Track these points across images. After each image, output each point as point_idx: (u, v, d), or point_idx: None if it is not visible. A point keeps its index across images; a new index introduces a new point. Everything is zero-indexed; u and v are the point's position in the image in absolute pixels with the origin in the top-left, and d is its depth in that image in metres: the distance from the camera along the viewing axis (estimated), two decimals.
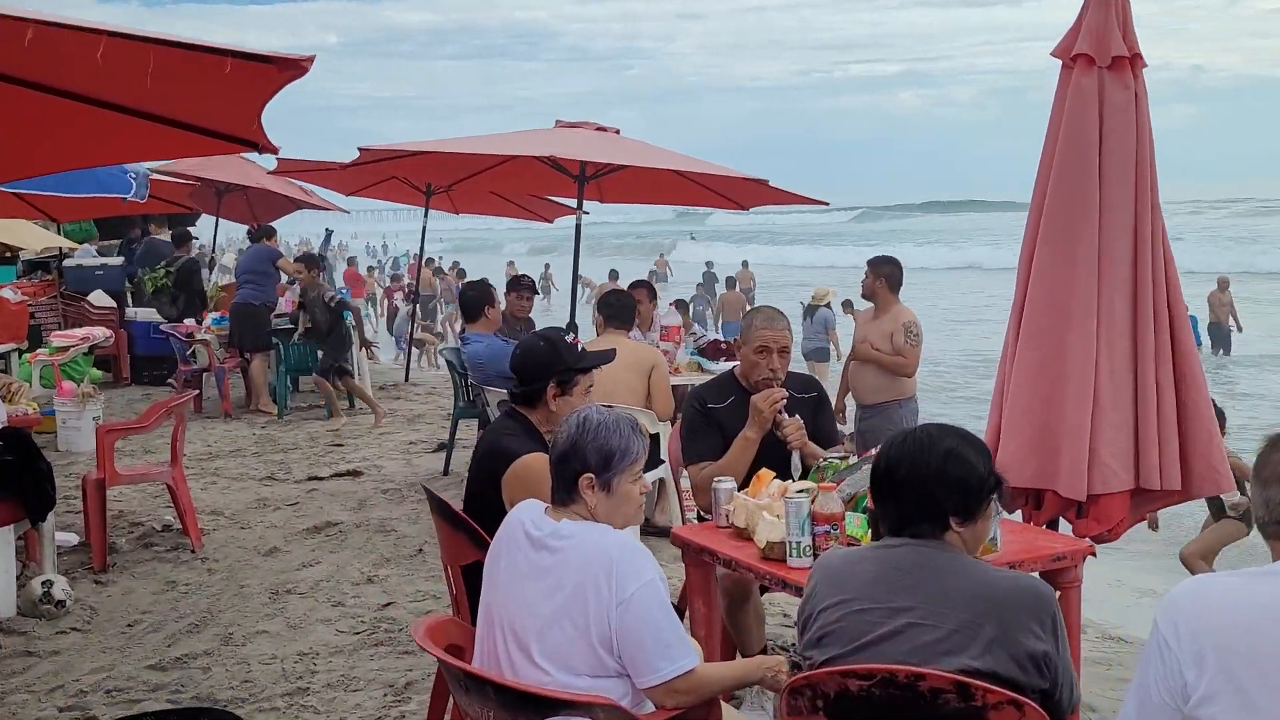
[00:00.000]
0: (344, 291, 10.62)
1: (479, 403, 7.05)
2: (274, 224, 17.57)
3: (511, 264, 32.79)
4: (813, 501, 2.83)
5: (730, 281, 24.92)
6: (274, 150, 3.45)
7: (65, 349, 8.59)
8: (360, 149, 6.99)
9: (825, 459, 3.21)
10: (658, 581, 2.31)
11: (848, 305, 18.47)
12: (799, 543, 2.73)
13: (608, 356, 3.50)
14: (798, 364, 11.36)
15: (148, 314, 11.60)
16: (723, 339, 7.34)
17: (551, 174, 7.76)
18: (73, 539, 5.91)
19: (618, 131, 7.47)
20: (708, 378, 6.76)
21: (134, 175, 4.11)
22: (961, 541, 2.09)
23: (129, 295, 12.22)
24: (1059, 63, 3.51)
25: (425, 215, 11.90)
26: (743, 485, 3.35)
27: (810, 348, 15.22)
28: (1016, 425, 3.51)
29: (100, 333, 8.96)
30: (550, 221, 12.53)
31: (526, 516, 2.50)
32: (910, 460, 2.08)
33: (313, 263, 11.27)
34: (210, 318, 10.53)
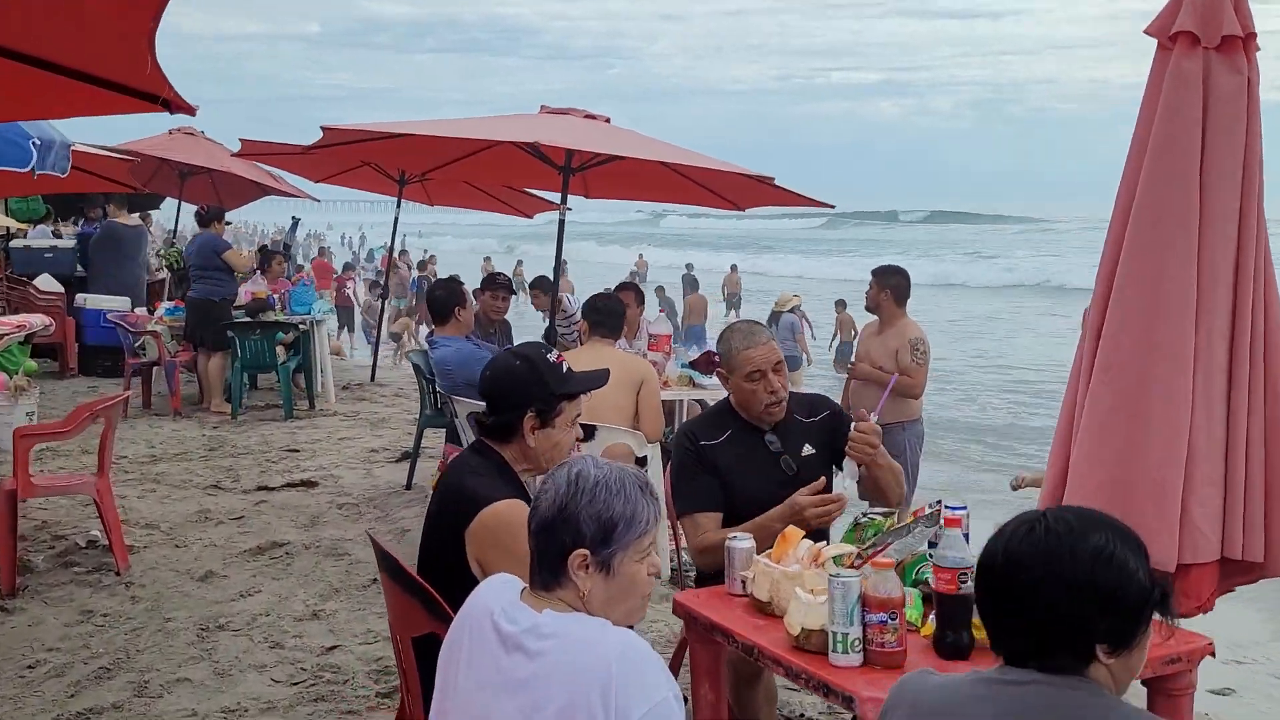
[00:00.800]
0: (309, 284, 9.94)
1: (447, 411, 6.41)
2: (241, 209, 16.88)
3: (488, 260, 32.07)
4: (856, 570, 2.23)
5: (694, 283, 24.22)
6: (189, 109, 2.84)
7: None
8: (324, 128, 6.33)
9: (866, 515, 2.61)
10: (672, 701, 1.70)
11: (841, 305, 17.95)
12: (846, 635, 2.13)
13: (599, 379, 2.89)
14: None
15: (98, 301, 10.87)
16: (715, 350, 6.72)
17: (534, 164, 7.12)
18: None
19: (608, 120, 6.85)
20: (700, 393, 6.18)
21: (37, 142, 3.47)
22: (1110, 676, 1.50)
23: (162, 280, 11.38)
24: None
25: (398, 205, 11.23)
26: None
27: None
28: (1086, 476, 2.93)
29: (39, 320, 8.24)
30: (530, 217, 11.89)
31: (496, 602, 1.88)
32: (1044, 562, 1.48)
33: (270, 256, 10.59)
34: (163, 308, 9.82)
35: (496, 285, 6.93)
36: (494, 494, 2.57)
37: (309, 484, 6.96)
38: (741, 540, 2.64)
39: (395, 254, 31.37)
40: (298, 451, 7.85)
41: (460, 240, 47.66)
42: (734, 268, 30.80)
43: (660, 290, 23.48)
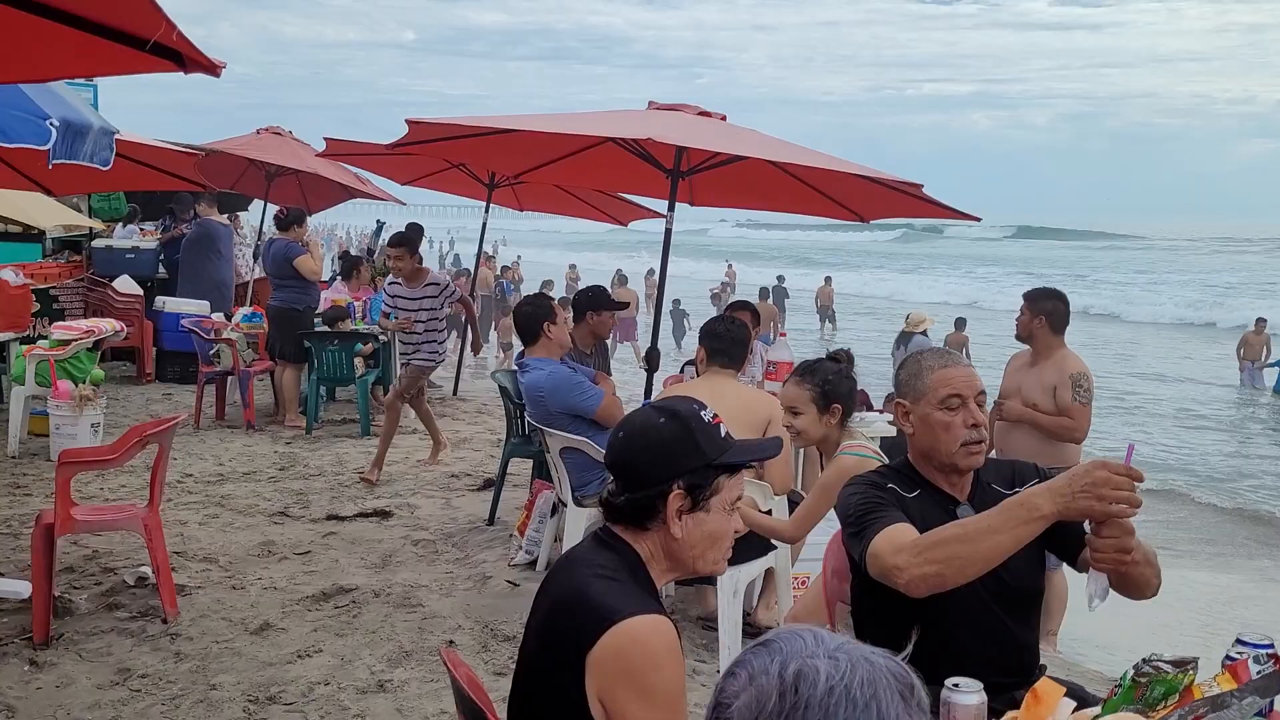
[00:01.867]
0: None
1: (535, 440, 5.74)
2: (325, 212, 16.53)
3: (573, 267, 31.54)
4: None
5: (764, 292, 23.41)
6: (211, 68, 2.19)
7: (65, 343, 7.43)
8: (409, 121, 5.69)
9: (1149, 664, 1.80)
10: None
11: (961, 323, 16.92)
12: None
13: (770, 447, 2.13)
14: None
15: (177, 304, 10.48)
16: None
17: (637, 167, 6.42)
18: (24, 590, 4.67)
19: (724, 118, 6.10)
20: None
21: (55, 123, 2.89)
22: None
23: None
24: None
25: (486, 209, 10.63)
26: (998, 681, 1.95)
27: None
28: None
29: (109, 326, 7.79)
30: (625, 224, 11.20)
31: None
32: None
33: (354, 263, 10.08)
34: (240, 313, 9.34)
35: (607, 302, 6.21)
36: (627, 606, 1.84)
37: (383, 514, 6.33)
38: (966, 693, 1.85)
39: (480, 259, 31.31)
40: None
41: (522, 248, 47.02)
42: (828, 280, 29.82)
43: (676, 303, 22.81)
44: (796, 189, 6.67)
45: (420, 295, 7.64)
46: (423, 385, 7.89)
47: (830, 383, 3.55)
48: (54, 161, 3.05)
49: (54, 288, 11.11)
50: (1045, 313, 5.57)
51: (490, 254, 27.47)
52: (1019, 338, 5.71)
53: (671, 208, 6.15)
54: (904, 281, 44.68)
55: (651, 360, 6.01)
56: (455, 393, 10.69)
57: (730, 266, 33.66)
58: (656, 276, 6.74)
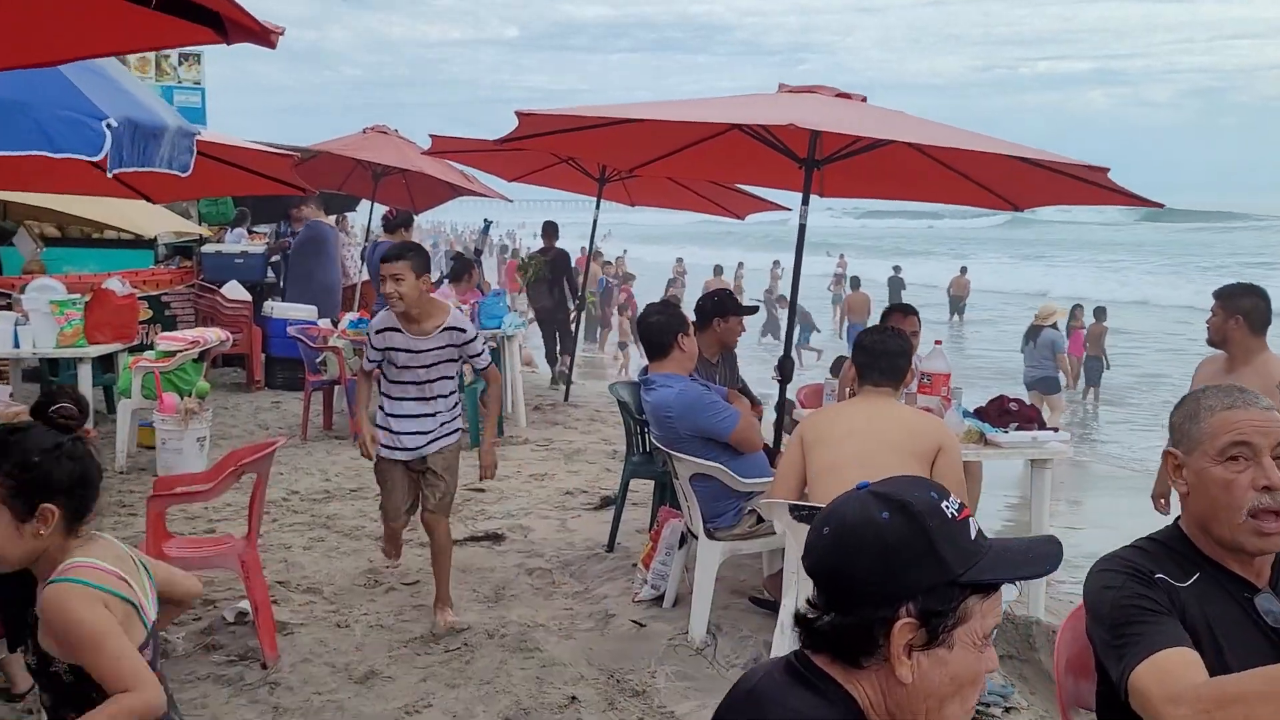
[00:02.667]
0: (501, 294, 8.97)
1: (659, 460, 5.22)
2: (435, 211, 16.37)
3: (680, 261, 30.94)
4: None
5: (855, 283, 22.50)
6: (265, 35, 1.74)
7: (171, 354, 7.21)
8: (519, 113, 5.22)
9: None
10: None
11: (1101, 313, 15.85)
12: None
13: (1050, 556, 1.53)
14: (1020, 394, 9.03)
15: (284, 310, 10.29)
16: (1007, 395, 5.23)
17: (762, 157, 5.86)
18: None
19: (864, 99, 5.47)
20: (993, 453, 4.72)
21: (113, 124, 2.49)
22: None
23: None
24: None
25: (597, 205, 10.16)
26: None
27: (1036, 376, 12.78)
28: None
29: (214, 335, 7.56)
30: (742, 218, 10.61)
31: None
32: None
33: (464, 266, 9.72)
34: (347, 319, 9.06)
35: (735, 307, 5.64)
36: None
37: (495, 538, 5.90)
38: None
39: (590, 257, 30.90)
40: (483, 491, 6.83)
41: (626, 242, 45.43)
42: (964, 270, 28.62)
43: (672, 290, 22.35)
44: (941, 175, 6.01)
45: (428, 346, 4.58)
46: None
47: None
48: (114, 171, 2.63)
49: (166, 294, 11.07)
50: (1242, 311, 4.82)
51: (600, 251, 27.08)
52: (1211, 342, 4.97)
53: (805, 200, 5.56)
54: (1023, 271, 42.50)
55: (785, 370, 5.42)
56: (566, 399, 10.25)
57: (842, 257, 32.49)
58: (768, 271, 6.11)
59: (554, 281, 11.23)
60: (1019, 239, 64.73)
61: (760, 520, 4.40)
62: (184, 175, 3.15)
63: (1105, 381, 15.57)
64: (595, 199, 10.13)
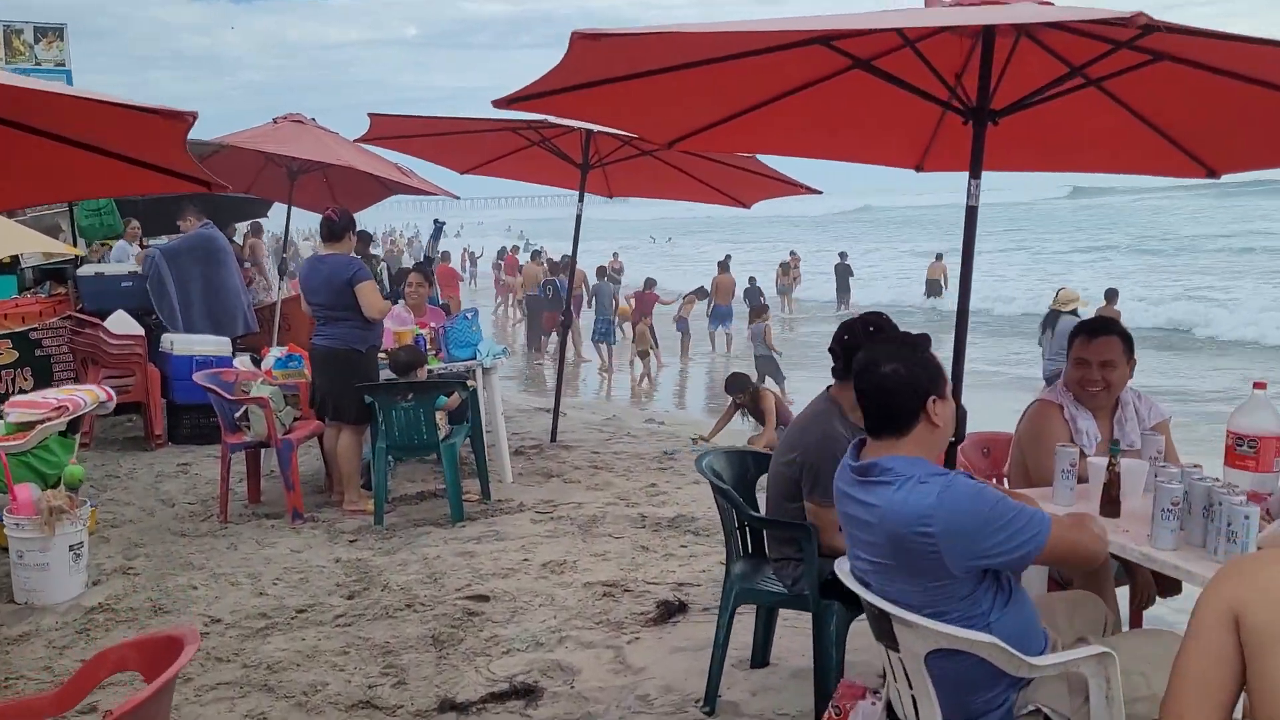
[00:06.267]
0: (471, 318, 6.97)
1: (786, 574, 3.33)
2: (362, 213, 14.27)
3: (725, 257, 28.79)
4: None
5: (722, 266, 21.33)
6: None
7: (28, 427, 5.12)
8: (578, 38, 3.25)
9: None
10: None
11: (1112, 295, 14.29)
12: None
13: None
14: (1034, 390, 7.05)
15: (188, 344, 8.16)
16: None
17: (887, 111, 4.04)
18: None
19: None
20: None
21: None
22: None
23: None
24: None
25: (580, 198, 8.18)
26: None
27: (1055, 369, 11.21)
28: None
29: (89, 396, 5.44)
30: (748, 207, 8.78)
31: None
32: None
33: (402, 275, 7.76)
34: (272, 357, 6.99)
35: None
36: None
37: (525, 691, 3.96)
38: None
39: (517, 253, 28.60)
40: (487, 600, 4.88)
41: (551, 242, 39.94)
42: (939, 256, 27.80)
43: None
44: (1133, 135, 4.26)
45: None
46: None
47: None
48: None
49: (35, 329, 8.85)
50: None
51: (538, 249, 24.97)
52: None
53: (977, 172, 3.75)
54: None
55: (957, 427, 3.62)
56: (554, 438, 8.29)
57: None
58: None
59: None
60: (1080, 221, 60.15)
61: None
62: None
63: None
64: (579, 191, 8.16)
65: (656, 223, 64.39)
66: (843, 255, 28.88)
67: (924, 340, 2.80)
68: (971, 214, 3.73)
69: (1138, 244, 42.65)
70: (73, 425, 5.37)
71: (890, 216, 76.32)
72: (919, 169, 5.15)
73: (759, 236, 52.63)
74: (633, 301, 18.44)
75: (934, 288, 27.21)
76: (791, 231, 58.41)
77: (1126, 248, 41.52)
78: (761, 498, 4.06)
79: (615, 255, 28.28)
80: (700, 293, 19.84)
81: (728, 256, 22.82)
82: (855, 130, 4.67)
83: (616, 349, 17.53)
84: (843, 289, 27.31)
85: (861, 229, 62.97)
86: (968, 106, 3.69)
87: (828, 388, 3.65)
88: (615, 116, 4.67)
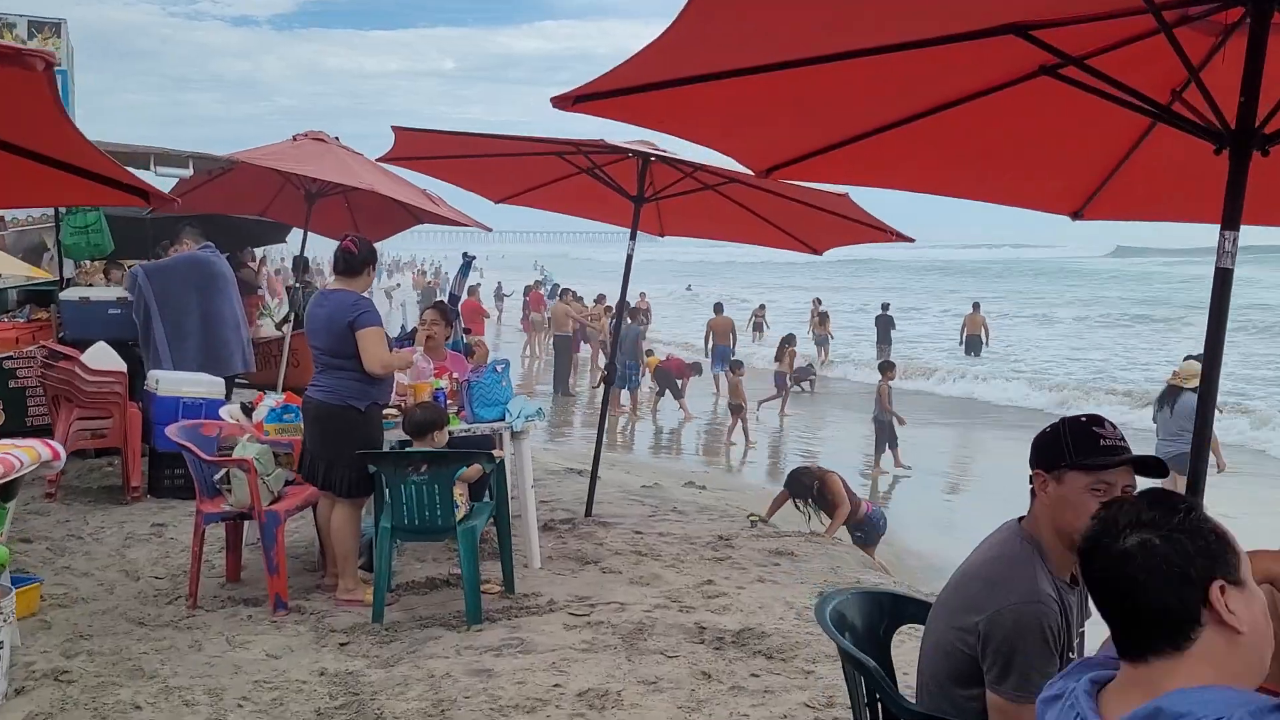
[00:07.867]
0: (502, 372, 5.88)
1: None
2: (386, 242, 13.30)
3: (761, 308, 27.50)
4: None
5: (718, 307, 21.38)
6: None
7: None
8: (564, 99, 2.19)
9: None
10: None
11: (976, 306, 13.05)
12: None
13: None
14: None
15: (174, 384, 7.13)
16: None
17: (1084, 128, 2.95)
18: None
19: None
20: None
21: None
22: None
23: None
24: None
25: (633, 236, 7.11)
26: None
27: (1175, 452, 9.94)
28: None
29: (28, 457, 4.39)
30: (820, 254, 7.72)
31: None
32: None
33: (443, 312, 6.74)
34: (265, 406, 5.94)
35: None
36: None
37: None
38: None
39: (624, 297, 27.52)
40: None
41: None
42: (976, 306, 27.01)
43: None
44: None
45: None
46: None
47: None
48: None
49: (10, 357, 7.88)
50: None
51: (559, 286, 24.02)
52: None
53: (1231, 223, 2.66)
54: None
55: None
56: (589, 512, 7.18)
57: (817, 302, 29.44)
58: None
59: None
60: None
61: None
62: None
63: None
64: (631, 228, 7.09)
65: (670, 261, 63.75)
66: (885, 306, 27.73)
67: (1188, 500, 1.64)
68: (1225, 277, 2.63)
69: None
70: (6, 491, 4.32)
71: (891, 265, 75.28)
72: (1076, 216, 4.07)
73: (765, 280, 52.21)
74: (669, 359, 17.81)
75: (974, 344, 26.09)
76: (794, 276, 58.18)
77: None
78: (898, 653, 2.96)
79: (643, 295, 27.18)
80: (790, 340, 18.78)
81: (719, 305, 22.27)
82: (1014, 160, 3.61)
83: (639, 393, 16.87)
84: (883, 340, 26.14)
85: (866, 273, 62.49)
86: (1225, 129, 2.61)
87: (1019, 519, 2.55)
88: (700, 128, 3.59)
